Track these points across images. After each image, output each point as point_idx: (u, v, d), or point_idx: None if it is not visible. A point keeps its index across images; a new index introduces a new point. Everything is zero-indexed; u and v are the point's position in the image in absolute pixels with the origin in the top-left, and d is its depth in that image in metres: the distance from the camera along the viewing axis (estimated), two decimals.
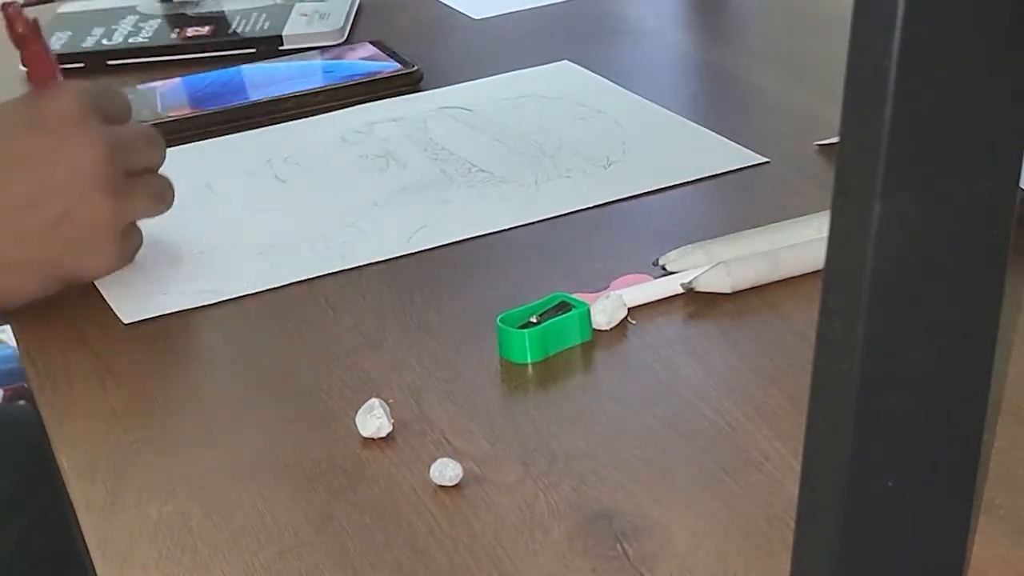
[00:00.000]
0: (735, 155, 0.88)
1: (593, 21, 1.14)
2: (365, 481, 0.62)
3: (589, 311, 0.70)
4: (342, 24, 1.14)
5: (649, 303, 0.72)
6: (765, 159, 0.87)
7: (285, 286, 0.78)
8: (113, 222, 0.77)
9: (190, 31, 1.16)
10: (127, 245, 0.79)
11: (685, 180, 0.86)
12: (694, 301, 0.73)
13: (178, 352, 0.73)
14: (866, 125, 0.38)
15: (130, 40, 1.15)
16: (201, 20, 1.18)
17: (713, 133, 0.91)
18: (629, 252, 0.78)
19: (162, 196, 0.81)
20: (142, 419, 0.68)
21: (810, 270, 0.73)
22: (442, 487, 0.61)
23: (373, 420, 0.64)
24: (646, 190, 0.85)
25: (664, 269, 0.74)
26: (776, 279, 0.73)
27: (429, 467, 0.61)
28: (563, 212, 0.83)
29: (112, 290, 0.79)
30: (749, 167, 0.87)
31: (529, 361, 0.69)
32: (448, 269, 0.79)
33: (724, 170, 0.87)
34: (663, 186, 0.85)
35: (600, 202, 0.84)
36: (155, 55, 1.14)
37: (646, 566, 0.55)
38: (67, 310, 0.78)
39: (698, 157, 0.89)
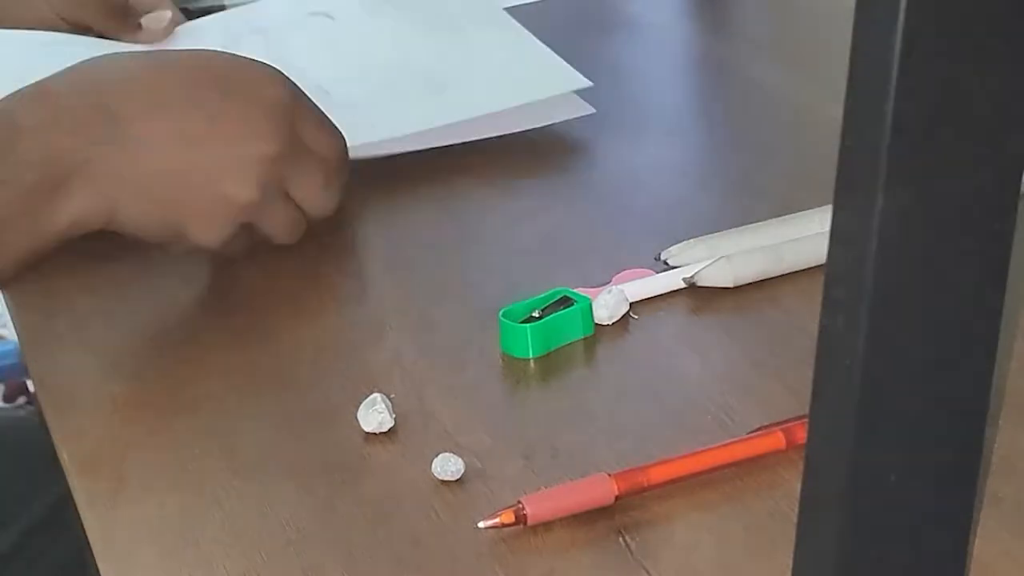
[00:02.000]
0: (565, 79, 0.88)
1: (591, 15, 1.14)
2: (367, 476, 0.62)
3: (591, 306, 0.70)
4: None
5: (651, 297, 0.72)
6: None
7: (286, 281, 0.78)
8: (239, 215, 0.73)
9: None
10: (237, 243, 0.75)
11: (510, 105, 0.87)
12: (696, 295, 0.73)
13: (180, 348, 0.73)
14: (868, 119, 0.38)
15: None
16: (203, 15, 1.18)
17: (552, 52, 0.91)
18: (631, 246, 0.77)
19: (293, 230, 0.77)
20: (144, 414, 0.68)
21: (812, 264, 0.72)
22: (444, 481, 0.61)
23: (375, 415, 0.64)
24: (464, 119, 0.86)
25: (666, 263, 0.74)
26: (778, 273, 0.73)
27: (431, 462, 0.61)
28: (383, 138, 0.84)
29: None
30: (752, 162, 0.87)
31: (531, 356, 0.69)
32: (450, 263, 0.79)
33: (546, 96, 0.87)
34: (481, 114, 0.86)
35: (427, 127, 0.85)
36: None
37: (648, 560, 0.55)
38: (69, 306, 0.78)
39: (525, 80, 0.89)
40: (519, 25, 0.95)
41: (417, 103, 0.88)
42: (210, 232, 0.73)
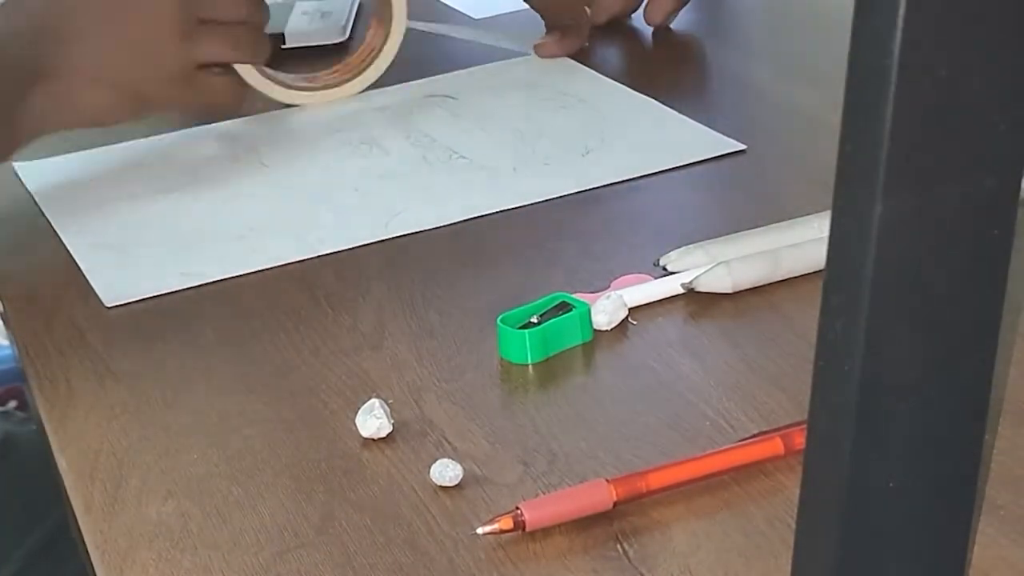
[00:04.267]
0: (713, 143, 0.89)
1: None
2: (365, 481, 0.62)
3: (589, 311, 0.70)
4: (344, 23, 1.14)
5: (650, 303, 0.72)
6: (742, 146, 0.88)
7: (284, 287, 0.78)
8: (181, 61, 0.89)
9: None
10: (200, 84, 0.91)
11: (662, 168, 0.87)
12: (695, 301, 0.73)
13: (178, 353, 0.73)
14: (867, 125, 0.38)
15: None
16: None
17: (693, 121, 0.92)
18: (629, 252, 0.77)
19: (237, 42, 0.92)
20: (141, 419, 0.68)
21: (811, 270, 0.72)
22: (442, 487, 0.60)
23: (373, 420, 0.64)
24: (623, 178, 0.86)
25: (665, 269, 0.74)
26: (777, 279, 0.73)
27: (429, 467, 0.61)
28: (541, 199, 0.85)
29: (95, 272, 0.81)
30: (750, 168, 0.87)
31: (529, 361, 0.69)
32: (448, 269, 0.78)
33: (701, 158, 0.87)
34: (640, 174, 0.86)
35: (577, 190, 0.85)
36: None
37: (646, 566, 0.55)
38: (66, 309, 0.78)
39: (676, 145, 0.90)
40: (648, 98, 0.97)
41: (563, 168, 0.88)
42: (179, 93, 0.91)
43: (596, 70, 1.03)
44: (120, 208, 0.89)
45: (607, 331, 0.70)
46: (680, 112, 0.94)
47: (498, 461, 0.62)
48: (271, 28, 1.13)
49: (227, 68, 0.94)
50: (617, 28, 1.12)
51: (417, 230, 0.82)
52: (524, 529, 0.57)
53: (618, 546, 0.56)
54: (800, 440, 0.59)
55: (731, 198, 0.85)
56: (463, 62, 1.06)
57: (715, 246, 0.74)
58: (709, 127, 0.91)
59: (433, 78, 1.04)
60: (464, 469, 0.61)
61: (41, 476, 0.74)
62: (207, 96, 0.92)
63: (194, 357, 0.73)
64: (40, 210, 0.90)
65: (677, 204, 0.85)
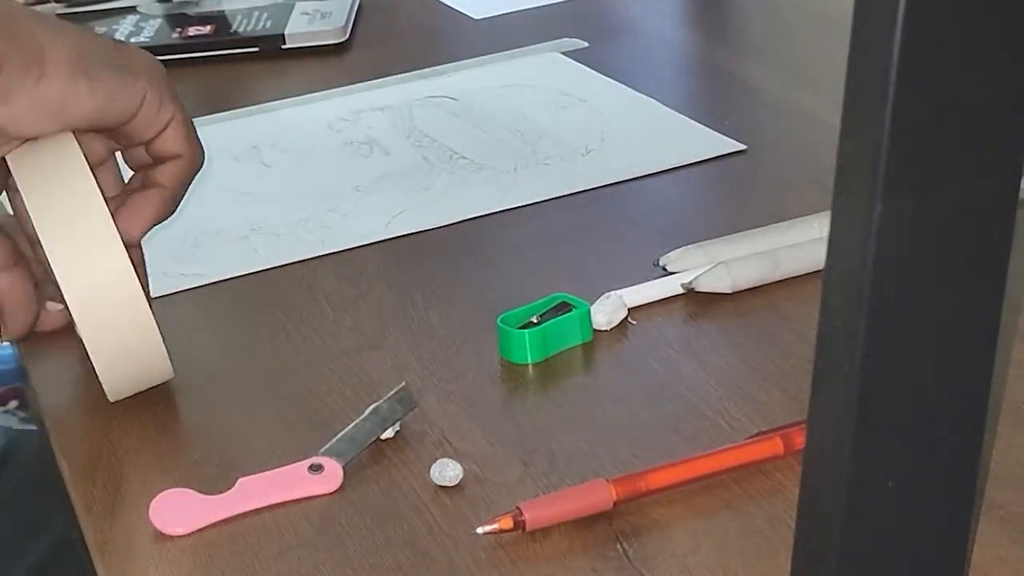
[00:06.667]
0: (713, 143, 0.89)
1: (593, 20, 1.14)
2: (365, 481, 0.62)
3: (589, 311, 0.70)
4: (343, 23, 1.14)
5: (649, 303, 0.72)
6: (742, 146, 0.88)
7: (284, 287, 0.78)
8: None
9: (191, 30, 1.16)
10: None
11: (662, 168, 0.87)
12: (694, 301, 0.73)
13: (178, 353, 0.73)
14: (867, 125, 0.38)
15: (131, 40, 1.15)
16: (202, 19, 1.18)
17: (693, 121, 0.92)
18: (630, 252, 0.77)
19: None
20: (142, 419, 0.68)
21: (811, 270, 0.72)
22: (442, 487, 0.61)
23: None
24: (623, 178, 0.86)
25: (665, 269, 0.74)
26: (777, 279, 0.73)
27: (429, 467, 0.61)
28: (540, 199, 0.85)
29: None
30: (751, 168, 0.87)
31: (529, 361, 0.69)
32: (448, 269, 0.79)
33: (701, 158, 0.88)
34: (640, 174, 0.87)
35: (577, 190, 0.85)
36: (157, 55, 1.14)
37: (646, 566, 0.55)
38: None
39: (676, 145, 0.90)
40: (648, 98, 0.97)
41: (563, 168, 0.88)
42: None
43: (596, 70, 1.03)
44: None
45: (607, 331, 0.71)
46: (680, 112, 0.94)
47: (498, 461, 0.62)
48: (271, 29, 1.14)
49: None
50: (617, 28, 1.12)
51: (417, 230, 0.83)
52: (524, 529, 0.57)
53: (618, 546, 0.56)
54: (800, 440, 0.59)
55: (731, 198, 0.85)
56: (463, 63, 1.07)
57: (715, 246, 0.74)
58: (709, 127, 0.92)
59: (432, 79, 1.04)
60: (464, 469, 0.61)
61: (44, 482, 0.73)
62: None
63: (194, 357, 0.73)
64: None
65: (677, 204, 0.85)
